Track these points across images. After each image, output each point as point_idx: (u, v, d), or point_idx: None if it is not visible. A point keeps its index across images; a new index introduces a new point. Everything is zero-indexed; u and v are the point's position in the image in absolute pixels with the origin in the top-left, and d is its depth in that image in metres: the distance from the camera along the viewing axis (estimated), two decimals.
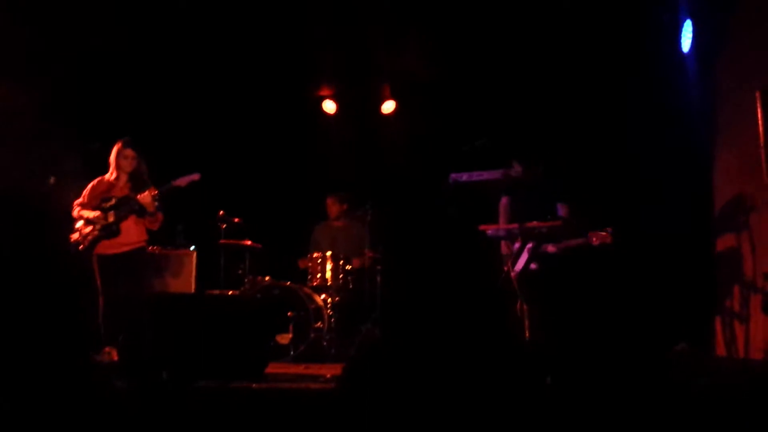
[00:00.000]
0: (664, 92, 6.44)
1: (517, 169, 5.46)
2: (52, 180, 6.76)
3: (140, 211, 5.84)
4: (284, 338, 6.67)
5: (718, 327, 6.09)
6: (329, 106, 8.36)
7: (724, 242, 6.15)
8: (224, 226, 7.06)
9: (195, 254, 6.95)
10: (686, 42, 6.33)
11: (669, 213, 6.22)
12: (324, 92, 8.38)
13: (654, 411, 3.36)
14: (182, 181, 5.83)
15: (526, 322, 5.21)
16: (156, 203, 5.82)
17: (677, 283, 6.18)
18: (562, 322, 5.28)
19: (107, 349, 5.63)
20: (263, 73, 7.81)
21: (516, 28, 6.95)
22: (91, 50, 6.88)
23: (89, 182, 6.00)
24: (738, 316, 5.79)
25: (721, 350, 6.01)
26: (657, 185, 6.35)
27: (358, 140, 8.19)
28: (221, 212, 7.04)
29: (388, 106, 8.25)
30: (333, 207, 7.67)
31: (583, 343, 5.12)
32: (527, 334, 5.18)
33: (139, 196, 5.79)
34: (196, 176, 5.86)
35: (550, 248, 5.35)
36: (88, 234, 5.81)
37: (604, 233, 5.26)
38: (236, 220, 7.10)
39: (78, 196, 5.95)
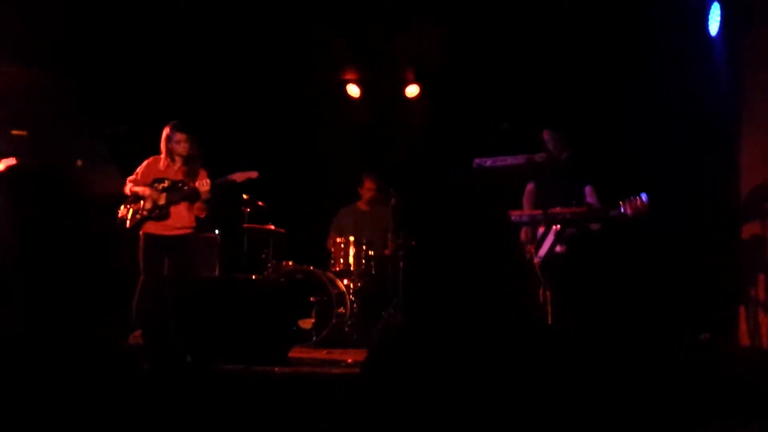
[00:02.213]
0: (691, 75, 6.35)
1: (541, 154, 5.42)
2: (79, 163, 6.84)
3: (193, 197, 5.79)
4: (307, 323, 6.71)
5: (743, 316, 6.03)
6: (353, 90, 8.35)
7: (750, 230, 6.07)
8: (248, 210, 7.08)
9: (219, 238, 6.99)
10: (714, 25, 6.24)
11: (694, 199, 6.15)
12: (348, 76, 8.37)
13: (676, 400, 3.35)
14: (239, 176, 5.76)
15: (549, 309, 5.19)
16: (211, 193, 5.79)
17: (701, 272, 6.12)
18: (586, 310, 5.25)
19: (137, 332, 5.58)
20: (286, 56, 7.80)
21: (539, 14, 6.89)
22: (118, 36, 6.92)
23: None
24: (763, 305, 5.73)
25: (745, 340, 5.96)
26: (682, 172, 6.28)
27: (382, 124, 8.18)
28: (245, 196, 7.06)
29: (412, 90, 8.24)
30: (369, 189, 7.55)
31: (605, 331, 5.10)
32: (550, 321, 5.16)
33: (197, 184, 5.72)
34: (254, 174, 5.78)
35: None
36: (136, 212, 5.74)
37: (638, 202, 4.77)
38: (260, 203, 7.12)
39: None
